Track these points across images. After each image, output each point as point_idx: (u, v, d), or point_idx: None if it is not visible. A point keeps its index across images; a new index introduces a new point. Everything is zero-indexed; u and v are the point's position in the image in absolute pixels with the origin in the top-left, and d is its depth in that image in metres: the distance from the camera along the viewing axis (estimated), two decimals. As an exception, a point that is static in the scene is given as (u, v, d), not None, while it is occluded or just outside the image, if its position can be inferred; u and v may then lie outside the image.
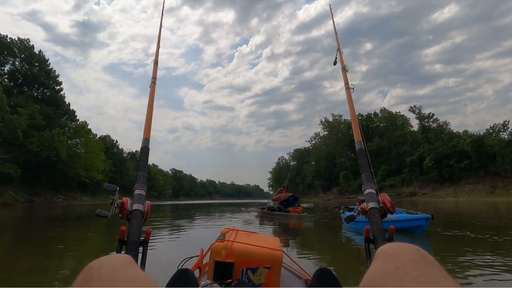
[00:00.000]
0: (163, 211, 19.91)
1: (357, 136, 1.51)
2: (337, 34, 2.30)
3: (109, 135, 61.49)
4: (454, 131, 45.06)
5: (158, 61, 1.91)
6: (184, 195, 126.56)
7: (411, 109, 48.76)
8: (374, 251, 0.88)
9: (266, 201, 19.35)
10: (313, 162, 31.52)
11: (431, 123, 47.04)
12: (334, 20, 2.46)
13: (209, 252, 1.52)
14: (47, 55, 41.98)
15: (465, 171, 37.75)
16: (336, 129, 63.08)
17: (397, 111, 59.59)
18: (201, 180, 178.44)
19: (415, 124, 55.96)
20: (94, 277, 0.55)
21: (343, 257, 4.58)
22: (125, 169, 59.79)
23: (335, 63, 2.09)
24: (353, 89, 1.77)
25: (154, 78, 1.74)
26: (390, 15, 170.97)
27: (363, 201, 1.19)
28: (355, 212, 1.26)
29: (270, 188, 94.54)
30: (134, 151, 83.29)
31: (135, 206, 1.09)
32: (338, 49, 2.09)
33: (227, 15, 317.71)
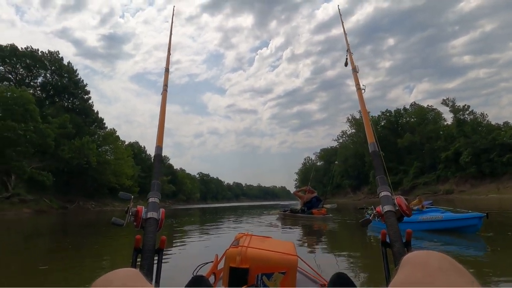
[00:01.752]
0: (190, 215, 19.72)
1: (370, 137, 1.49)
2: (346, 35, 2.28)
3: (137, 142, 62.88)
4: (493, 123, 42.17)
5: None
6: (212, 198, 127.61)
7: (444, 102, 46.11)
8: (391, 255, 0.93)
9: (288, 203, 19.01)
10: (336, 162, 30.85)
11: (466, 115, 44.22)
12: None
13: (224, 258, 1.53)
14: (77, 68, 43.66)
15: (508, 165, 35.00)
16: (363, 126, 60.95)
17: (429, 105, 56.72)
18: (228, 183, 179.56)
19: (448, 118, 53.31)
20: None
21: (361, 261, 4.43)
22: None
23: (346, 64, 2.07)
24: (364, 89, 1.76)
25: (165, 85, 1.74)
26: (412, 8, 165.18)
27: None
28: (370, 215, 1.20)
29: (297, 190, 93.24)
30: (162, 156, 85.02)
31: (150, 214, 1.10)
32: (348, 50, 2.09)
33: (246, 20, 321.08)
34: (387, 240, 1.02)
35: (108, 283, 0.56)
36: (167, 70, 1.87)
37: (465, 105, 44.49)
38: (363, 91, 1.76)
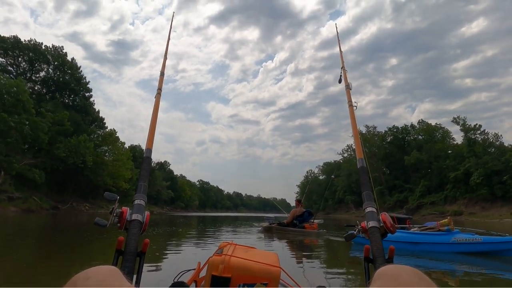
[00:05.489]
0: (187, 225, 18.40)
1: (359, 153, 1.52)
2: (342, 53, 2.34)
3: (139, 145, 61.44)
4: (506, 144, 40.67)
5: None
6: (211, 207, 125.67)
7: (454, 120, 44.65)
8: (373, 271, 0.95)
9: (273, 215, 17.98)
10: (332, 176, 30.08)
11: (478, 135, 42.77)
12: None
13: (206, 266, 1.52)
14: (85, 71, 43.12)
15: (522, 189, 33.48)
16: (369, 141, 59.68)
17: (438, 123, 55.37)
18: (228, 192, 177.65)
19: (456, 137, 51.93)
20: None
21: (343, 275, 4.43)
22: (152, 178, 59.47)
23: (340, 81, 2.11)
24: (356, 106, 1.80)
25: (159, 89, 1.76)
26: (415, 30, 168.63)
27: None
28: (355, 230, 1.21)
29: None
30: (162, 161, 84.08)
31: (134, 216, 1.08)
32: (343, 67, 2.13)
33: (252, 33, 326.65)
34: (370, 255, 1.02)
35: (87, 279, 0.55)
36: (162, 74, 1.90)
37: (476, 124, 43.12)
38: (355, 108, 1.79)
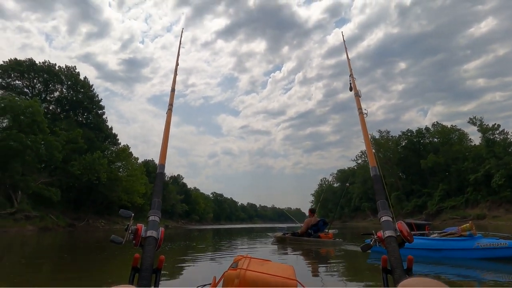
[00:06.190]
0: (202, 239, 18.20)
1: (372, 161, 1.51)
2: (349, 60, 2.33)
3: (153, 159, 61.92)
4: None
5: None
6: (225, 219, 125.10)
7: (471, 121, 43.48)
8: (392, 282, 0.95)
9: (285, 225, 17.50)
10: (347, 184, 29.58)
11: (496, 135, 41.43)
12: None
13: (222, 281, 1.53)
14: (98, 90, 44.12)
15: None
16: (384, 146, 58.62)
17: (453, 125, 54.05)
18: (241, 203, 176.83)
19: (474, 138, 50.45)
20: None
21: (361, 287, 4.28)
22: (166, 193, 59.66)
23: (350, 89, 2.09)
24: (366, 114, 1.79)
25: (170, 105, 1.77)
26: (422, 33, 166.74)
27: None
28: (371, 241, 1.19)
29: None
30: (176, 175, 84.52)
31: (149, 233, 1.10)
32: (351, 75, 2.12)
33: (259, 45, 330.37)
34: (388, 266, 1.01)
35: None
36: (173, 90, 1.91)
37: (495, 124, 41.82)
38: (365, 115, 1.78)
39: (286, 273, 1.57)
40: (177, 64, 2.16)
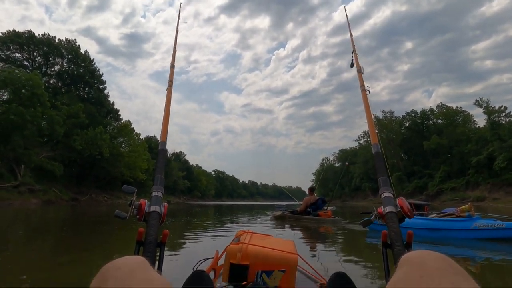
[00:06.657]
0: (204, 214, 18.37)
1: (373, 138, 1.50)
2: (352, 36, 2.29)
3: (155, 136, 61.90)
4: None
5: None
6: (227, 196, 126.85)
7: (477, 103, 42.77)
8: (391, 256, 0.95)
9: (283, 203, 17.62)
10: (346, 163, 29.72)
11: (502, 118, 40.88)
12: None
13: (224, 254, 1.56)
14: (99, 65, 43.47)
15: (550, 173, 31.95)
16: (387, 127, 58.19)
17: (458, 106, 53.34)
18: (243, 181, 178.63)
19: (479, 121, 49.87)
20: (109, 278, 0.57)
21: (361, 261, 4.38)
22: (169, 169, 60.07)
23: (352, 65, 2.06)
24: (369, 91, 1.77)
25: (170, 81, 1.75)
26: (431, 12, 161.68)
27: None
28: (372, 216, 1.22)
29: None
30: (178, 152, 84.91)
31: (153, 208, 1.12)
32: (354, 51, 2.09)
33: (263, 21, 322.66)
34: (388, 241, 1.03)
35: (117, 269, 0.58)
36: (172, 66, 1.88)
37: (502, 106, 41.17)
38: (368, 92, 1.76)
39: (287, 247, 1.58)
40: (176, 40, 2.12)
